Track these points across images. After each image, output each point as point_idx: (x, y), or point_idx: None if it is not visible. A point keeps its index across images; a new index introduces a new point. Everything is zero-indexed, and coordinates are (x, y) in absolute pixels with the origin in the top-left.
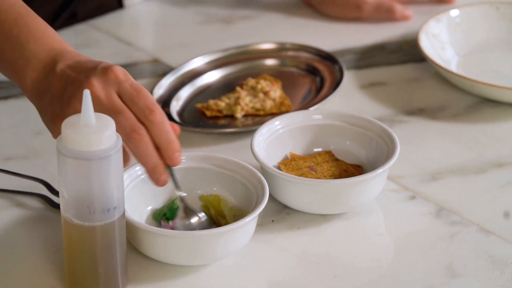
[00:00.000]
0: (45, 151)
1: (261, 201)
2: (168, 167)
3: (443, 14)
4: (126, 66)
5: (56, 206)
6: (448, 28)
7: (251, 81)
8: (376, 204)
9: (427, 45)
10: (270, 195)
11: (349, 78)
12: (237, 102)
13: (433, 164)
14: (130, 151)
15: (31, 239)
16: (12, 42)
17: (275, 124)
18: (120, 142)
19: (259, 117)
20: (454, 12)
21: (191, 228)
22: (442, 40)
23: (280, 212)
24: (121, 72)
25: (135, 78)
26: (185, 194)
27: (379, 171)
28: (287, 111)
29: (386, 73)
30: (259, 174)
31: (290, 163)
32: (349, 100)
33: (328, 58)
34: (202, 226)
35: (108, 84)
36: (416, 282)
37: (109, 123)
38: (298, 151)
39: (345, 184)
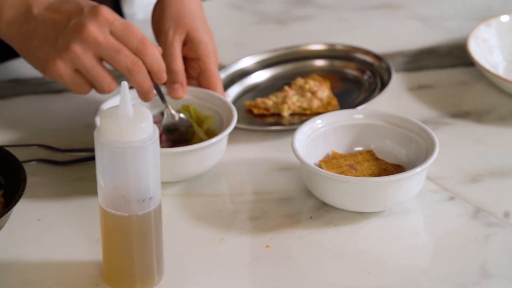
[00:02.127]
0: (91, 143)
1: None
2: (156, 85)
3: (494, 19)
4: None
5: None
6: (497, 33)
7: (300, 81)
8: (415, 203)
9: (475, 49)
10: (308, 191)
11: (398, 80)
12: (284, 100)
13: (474, 166)
14: (128, 80)
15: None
16: None
17: (317, 123)
18: (157, 133)
19: (305, 116)
20: (504, 18)
21: (175, 124)
22: (491, 45)
23: (319, 209)
24: (109, 12)
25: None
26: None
27: (417, 170)
28: (333, 111)
29: (435, 76)
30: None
31: (331, 161)
32: (396, 101)
33: (378, 59)
34: (183, 122)
35: (102, 25)
36: (448, 281)
37: (146, 114)
38: (340, 150)
39: (382, 182)
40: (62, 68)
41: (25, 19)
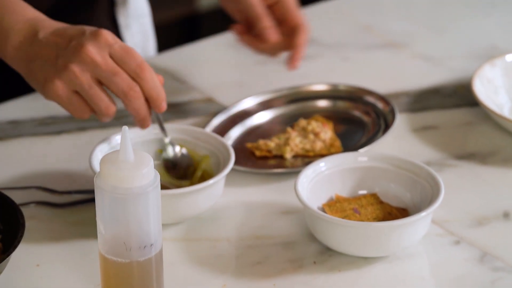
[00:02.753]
0: (89, 185)
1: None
2: (157, 115)
3: (499, 58)
4: (179, 105)
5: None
6: (502, 73)
7: (303, 122)
8: (420, 247)
9: (480, 90)
10: (312, 235)
11: (402, 120)
12: (287, 142)
13: (480, 209)
14: (125, 105)
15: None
16: None
17: (320, 166)
18: (158, 179)
19: (308, 158)
20: (509, 57)
21: (176, 160)
22: (496, 85)
23: (323, 254)
24: (109, 35)
25: (188, 116)
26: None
27: (422, 214)
28: (336, 153)
29: (439, 117)
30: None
31: (334, 205)
32: (400, 143)
33: (382, 100)
34: (184, 159)
35: (101, 47)
36: None
37: (147, 159)
38: (344, 193)
39: (387, 227)
40: (61, 88)
41: (30, 43)
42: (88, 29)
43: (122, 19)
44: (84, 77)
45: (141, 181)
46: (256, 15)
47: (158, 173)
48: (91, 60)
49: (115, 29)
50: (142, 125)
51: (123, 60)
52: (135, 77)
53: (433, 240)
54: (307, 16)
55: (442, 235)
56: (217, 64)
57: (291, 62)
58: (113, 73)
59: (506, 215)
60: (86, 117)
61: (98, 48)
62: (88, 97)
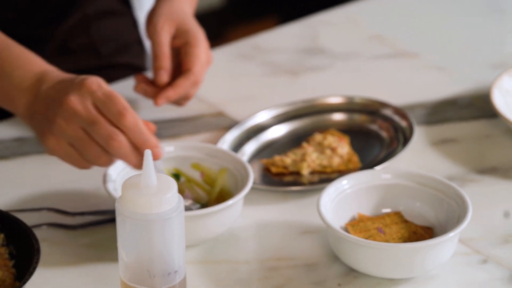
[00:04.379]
0: (102, 205)
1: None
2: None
3: None
4: (190, 119)
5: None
6: None
7: (318, 137)
8: (446, 267)
9: (500, 101)
10: (334, 256)
11: (419, 134)
12: (303, 158)
13: (505, 226)
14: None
15: None
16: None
17: (343, 184)
18: (182, 204)
19: (325, 174)
20: None
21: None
22: None
23: (347, 275)
24: (94, 83)
25: (200, 131)
26: None
27: (450, 235)
28: (355, 168)
29: (457, 129)
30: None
31: (358, 224)
32: (420, 157)
33: (398, 113)
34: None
35: (84, 96)
36: None
37: (171, 183)
38: (366, 212)
39: (414, 248)
40: (55, 143)
41: (34, 100)
42: (78, 78)
43: (141, 13)
44: (70, 129)
45: (165, 207)
46: (156, 54)
47: (182, 198)
48: (73, 110)
49: (128, 10)
50: (137, 169)
51: (105, 106)
52: (117, 124)
53: (459, 259)
54: (317, 23)
55: (468, 254)
56: (224, 76)
57: (156, 98)
58: (92, 122)
59: None
60: (88, 168)
61: (80, 97)
62: (79, 148)
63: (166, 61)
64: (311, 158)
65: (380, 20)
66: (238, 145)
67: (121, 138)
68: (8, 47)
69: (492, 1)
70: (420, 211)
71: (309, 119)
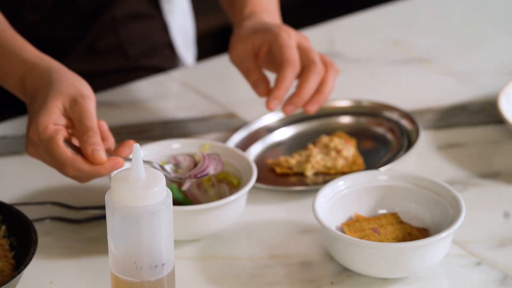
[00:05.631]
0: None
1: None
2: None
3: None
4: (202, 120)
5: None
6: None
7: (325, 139)
8: (440, 268)
9: (507, 107)
10: (330, 255)
11: (427, 138)
12: (308, 159)
13: (502, 230)
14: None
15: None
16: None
17: (339, 185)
18: (170, 197)
19: (329, 176)
20: None
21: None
22: None
23: (341, 274)
24: (34, 133)
25: (210, 131)
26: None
27: (442, 235)
28: (359, 170)
29: (465, 134)
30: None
31: (353, 224)
32: (424, 161)
33: (406, 117)
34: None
35: (35, 148)
36: None
37: (159, 177)
38: (364, 212)
39: (406, 248)
40: (33, 155)
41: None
42: (30, 120)
43: (166, 4)
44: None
45: (152, 200)
46: (242, 71)
47: (171, 191)
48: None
49: (159, 14)
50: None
51: (49, 157)
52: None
53: (454, 261)
54: (335, 28)
55: (463, 256)
56: (239, 79)
57: (266, 102)
58: (57, 169)
59: None
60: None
61: (33, 148)
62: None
63: (255, 74)
64: (315, 159)
65: (397, 26)
66: (245, 146)
67: (84, 178)
68: None
69: (509, 8)
70: (416, 212)
71: (317, 121)
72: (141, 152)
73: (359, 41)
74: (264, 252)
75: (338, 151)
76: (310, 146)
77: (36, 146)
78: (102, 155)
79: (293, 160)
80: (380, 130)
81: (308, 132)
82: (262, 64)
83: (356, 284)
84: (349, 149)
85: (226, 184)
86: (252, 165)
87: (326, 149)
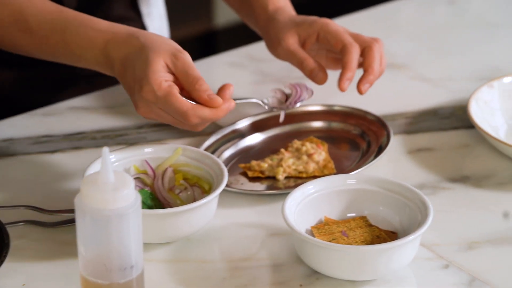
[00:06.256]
0: None
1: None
2: None
3: (496, 80)
4: None
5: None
6: (500, 95)
7: (297, 143)
8: (409, 271)
9: (476, 112)
10: (300, 258)
11: (397, 142)
12: (279, 163)
13: (471, 233)
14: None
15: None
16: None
17: (309, 188)
18: (139, 201)
19: (301, 180)
20: (507, 79)
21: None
22: (492, 107)
23: (310, 277)
24: (149, 92)
25: (184, 136)
26: None
27: (410, 238)
28: (330, 174)
29: (435, 139)
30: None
31: (323, 227)
32: (395, 165)
33: (377, 121)
34: None
35: (149, 106)
36: None
37: (128, 181)
38: (333, 215)
39: (374, 251)
40: (147, 115)
41: (113, 73)
42: (136, 82)
43: (144, 8)
44: (151, 117)
45: (121, 203)
46: (297, 62)
47: (140, 195)
48: (148, 117)
49: (139, 18)
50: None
51: (168, 112)
52: (184, 123)
53: (422, 264)
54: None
55: (431, 259)
56: (211, 85)
57: (338, 84)
58: (172, 123)
59: (497, 239)
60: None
61: (146, 107)
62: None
63: (310, 62)
64: (287, 163)
65: (370, 32)
66: (217, 150)
67: (201, 126)
68: (67, 25)
69: (485, 15)
70: (384, 215)
71: (289, 126)
72: (113, 156)
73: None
74: (234, 255)
75: (310, 155)
76: (282, 150)
77: (151, 104)
78: (218, 98)
79: (265, 164)
80: (351, 134)
81: (280, 137)
82: (312, 52)
83: (325, 287)
84: (321, 153)
85: (198, 188)
86: (223, 169)
87: (298, 153)
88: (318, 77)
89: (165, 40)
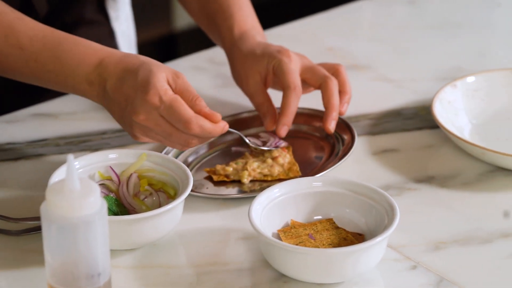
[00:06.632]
0: None
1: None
2: None
3: (460, 80)
4: None
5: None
6: (463, 94)
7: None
8: (376, 273)
9: (440, 112)
10: (267, 262)
11: (362, 144)
12: (244, 167)
13: (437, 233)
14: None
15: None
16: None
17: (274, 192)
18: (105, 208)
19: (266, 183)
20: (470, 79)
21: None
22: (456, 107)
23: (277, 280)
24: (156, 96)
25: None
26: None
27: (377, 240)
28: (295, 177)
29: (400, 140)
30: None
31: (289, 231)
32: (360, 166)
33: (341, 123)
34: None
35: (150, 113)
36: None
37: (94, 188)
38: (299, 218)
39: (340, 253)
40: (143, 139)
41: (104, 93)
42: (140, 86)
43: (112, 12)
44: (150, 136)
45: (88, 210)
46: (254, 104)
47: (105, 202)
48: (146, 126)
49: (107, 21)
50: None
51: (171, 119)
52: (185, 133)
53: (390, 265)
54: (271, 37)
55: (398, 260)
56: None
57: (277, 130)
58: (168, 134)
59: (464, 239)
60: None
61: (147, 114)
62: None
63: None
64: (252, 167)
65: (332, 33)
66: (182, 155)
67: (195, 141)
68: (61, 42)
69: (448, 15)
70: (351, 217)
71: (254, 129)
72: (77, 163)
73: (294, 49)
74: (201, 259)
75: (274, 159)
76: (247, 154)
77: (153, 110)
78: (218, 114)
79: (229, 168)
80: (316, 137)
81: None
82: (272, 86)
83: None
84: (285, 156)
85: (163, 193)
86: (188, 173)
87: (263, 156)
88: (265, 123)
89: (162, 64)
